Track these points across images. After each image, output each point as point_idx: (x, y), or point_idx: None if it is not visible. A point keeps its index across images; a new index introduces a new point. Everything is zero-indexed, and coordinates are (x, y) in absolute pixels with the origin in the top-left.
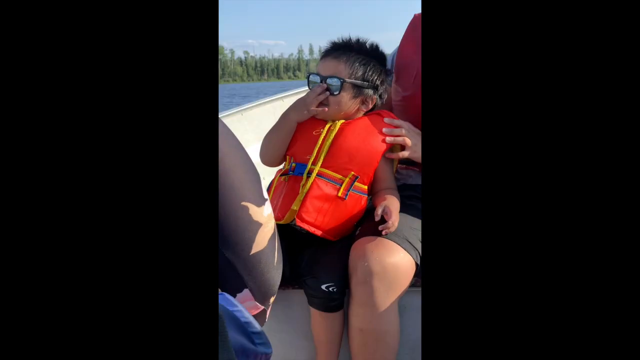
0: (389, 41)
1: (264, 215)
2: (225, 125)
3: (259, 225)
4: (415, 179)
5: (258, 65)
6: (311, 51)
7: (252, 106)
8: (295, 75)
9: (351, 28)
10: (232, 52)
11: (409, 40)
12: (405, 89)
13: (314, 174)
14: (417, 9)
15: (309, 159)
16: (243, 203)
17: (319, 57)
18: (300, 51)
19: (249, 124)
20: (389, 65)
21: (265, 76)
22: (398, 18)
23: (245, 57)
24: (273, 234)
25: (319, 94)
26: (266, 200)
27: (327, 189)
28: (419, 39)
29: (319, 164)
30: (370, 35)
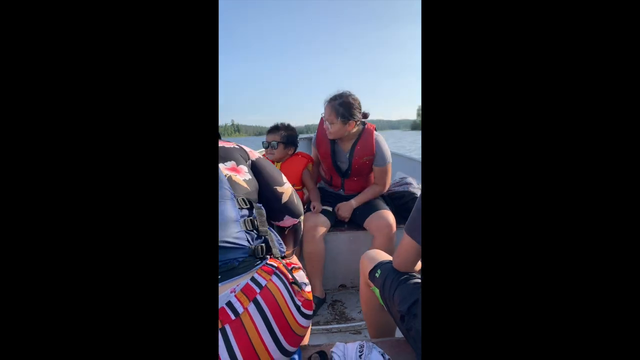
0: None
1: (285, 188)
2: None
3: (281, 193)
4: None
5: None
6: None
7: None
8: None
9: (277, 107)
10: None
11: (320, 131)
12: (321, 156)
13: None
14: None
15: None
16: (274, 187)
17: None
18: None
19: None
20: (313, 142)
21: None
22: (312, 105)
23: None
24: (292, 191)
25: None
26: (284, 182)
27: None
28: (322, 131)
29: None
30: (293, 110)
